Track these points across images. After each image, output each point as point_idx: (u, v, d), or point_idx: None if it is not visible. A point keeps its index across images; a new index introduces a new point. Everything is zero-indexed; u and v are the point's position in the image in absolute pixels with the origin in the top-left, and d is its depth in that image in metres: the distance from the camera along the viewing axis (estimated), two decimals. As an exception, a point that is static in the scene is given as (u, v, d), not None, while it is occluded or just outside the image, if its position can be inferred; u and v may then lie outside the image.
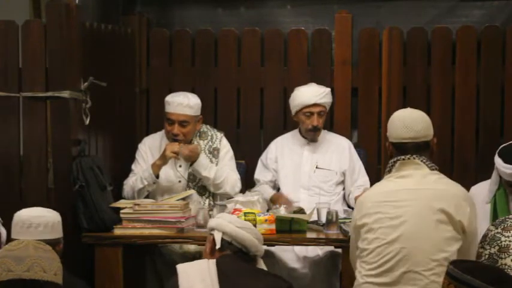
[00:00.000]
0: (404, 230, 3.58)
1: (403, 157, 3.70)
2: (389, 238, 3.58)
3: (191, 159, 5.13)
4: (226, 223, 3.40)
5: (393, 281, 3.56)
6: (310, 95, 5.25)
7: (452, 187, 3.70)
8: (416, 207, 3.61)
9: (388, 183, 3.74)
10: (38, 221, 3.70)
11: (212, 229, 3.44)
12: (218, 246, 3.36)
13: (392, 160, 3.75)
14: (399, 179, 3.70)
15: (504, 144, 4.36)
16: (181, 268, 3.31)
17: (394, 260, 3.56)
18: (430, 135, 3.77)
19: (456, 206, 3.60)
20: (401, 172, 3.70)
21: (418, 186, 3.67)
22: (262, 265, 3.46)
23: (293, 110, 5.34)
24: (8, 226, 3.89)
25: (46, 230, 3.69)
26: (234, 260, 3.34)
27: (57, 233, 3.77)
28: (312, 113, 5.26)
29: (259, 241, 3.42)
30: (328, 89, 5.34)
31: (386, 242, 3.59)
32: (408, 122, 3.73)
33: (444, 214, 3.58)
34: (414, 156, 3.69)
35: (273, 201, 5.12)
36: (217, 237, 3.38)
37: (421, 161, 3.70)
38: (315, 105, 5.24)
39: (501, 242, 3.43)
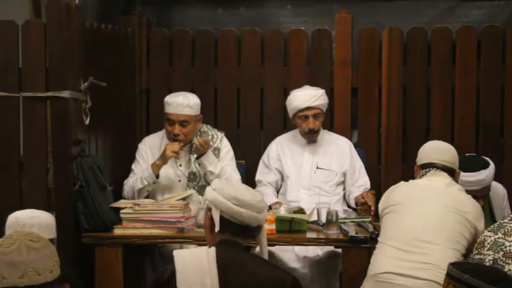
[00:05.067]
0: (427, 209, 3.89)
1: (435, 169, 4.04)
2: (411, 211, 3.91)
3: (201, 152, 5.12)
4: (222, 200, 3.18)
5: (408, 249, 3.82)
6: (303, 98, 5.26)
7: (473, 201, 3.99)
8: (441, 203, 3.91)
9: (419, 181, 4.09)
10: (32, 221, 3.70)
11: (209, 202, 3.23)
12: (217, 229, 3.17)
13: (424, 170, 4.07)
14: (428, 181, 4.04)
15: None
16: (179, 258, 3.16)
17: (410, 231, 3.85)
18: (456, 165, 4.12)
19: (477, 218, 3.91)
20: (430, 177, 4.05)
21: (444, 189, 3.98)
22: (263, 236, 3.32)
23: (290, 113, 5.36)
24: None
25: (39, 230, 3.61)
26: (233, 247, 3.16)
27: (51, 234, 3.74)
28: (306, 116, 5.27)
29: (260, 211, 3.21)
30: (322, 91, 5.33)
31: (411, 214, 3.91)
32: (440, 147, 4.14)
33: (468, 222, 3.87)
34: (444, 172, 4.04)
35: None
36: (216, 217, 3.18)
37: (449, 176, 4.04)
38: (308, 108, 5.25)
39: (505, 247, 3.43)
